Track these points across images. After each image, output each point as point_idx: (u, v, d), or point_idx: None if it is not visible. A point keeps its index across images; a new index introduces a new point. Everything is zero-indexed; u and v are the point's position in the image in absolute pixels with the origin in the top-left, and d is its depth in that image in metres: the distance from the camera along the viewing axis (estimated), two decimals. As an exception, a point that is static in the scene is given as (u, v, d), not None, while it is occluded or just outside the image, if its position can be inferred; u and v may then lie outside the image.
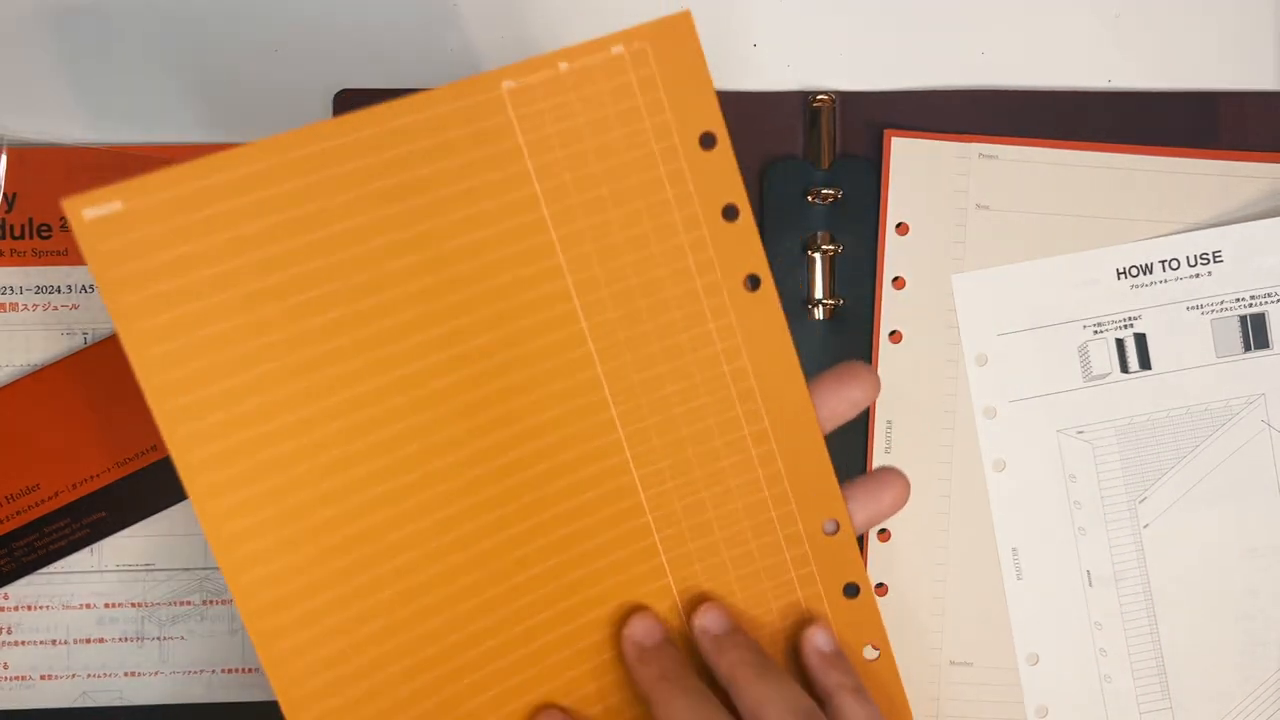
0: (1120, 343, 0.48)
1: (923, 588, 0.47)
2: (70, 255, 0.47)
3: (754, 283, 0.35)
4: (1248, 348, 0.48)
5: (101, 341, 0.47)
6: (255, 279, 0.30)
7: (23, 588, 0.47)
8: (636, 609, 0.35)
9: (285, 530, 0.31)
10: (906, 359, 0.47)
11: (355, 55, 0.48)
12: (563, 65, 0.34)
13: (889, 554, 0.47)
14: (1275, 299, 0.48)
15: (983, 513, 0.47)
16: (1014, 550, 0.47)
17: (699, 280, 0.35)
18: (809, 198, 0.48)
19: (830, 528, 0.36)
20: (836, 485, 0.36)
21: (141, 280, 0.29)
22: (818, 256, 0.47)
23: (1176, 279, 0.48)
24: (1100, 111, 0.48)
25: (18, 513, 0.46)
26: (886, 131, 0.48)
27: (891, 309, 0.47)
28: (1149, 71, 0.49)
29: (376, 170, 0.32)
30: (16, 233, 0.47)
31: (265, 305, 0.30)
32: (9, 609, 0.47)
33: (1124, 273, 0.48)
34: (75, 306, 0.47)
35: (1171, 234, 0.48)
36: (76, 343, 0.47)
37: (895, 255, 0.47)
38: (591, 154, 0.34)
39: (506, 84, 0.33)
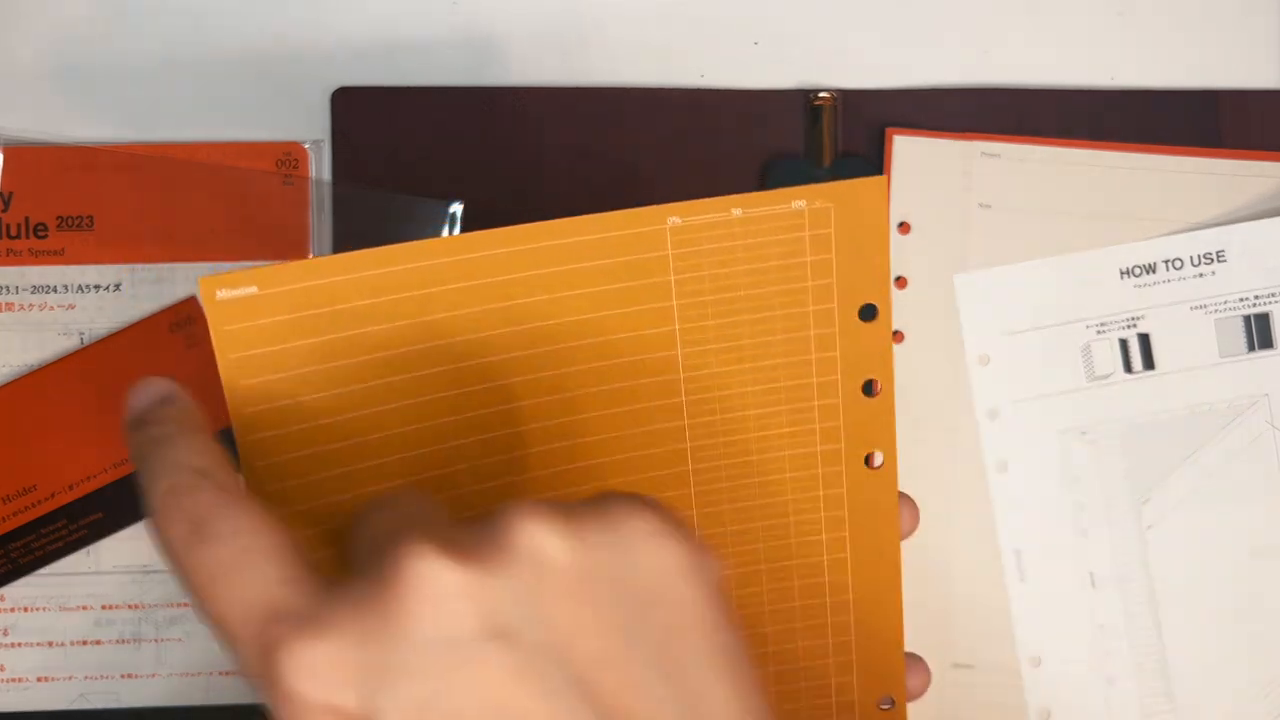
0: (1124, 343, 0.47)
1: (925, 589, 0.47)
2: (67, 255, 0.47)
3: (872, 460, 0.34)
4: (1251, 348, 0.47)
5: (98, 342, 0.46)
6: (370, 378, 0.30)
7: (19, 589, 0.47)
8: None
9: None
10: (909, 359, 0.47)
11: (355, 55, 0.48)
12: (736, 211, 0.32)
13: (891, 555, 0.47)
14: (1277, 298, 0.47)
15: (985, 514, 0.47)
16: (1017, 552, 0.47)
17: (819, 447, 0.34)
18: (810, 197, 0.47)
19: (885, 704, 0.36)
20: (902, 666, 0.36)
21: (258, 368, 0.30)
22: (819, 256, 0.47)
23: (1180, 279, 0.47)
24: (1103, 110, 0.48)
25: (14, 514, 0.46)
26: (888, 130, 0.47)
27: (894, 309, 0.47)
28: (1152, 70, 0.49)
29: (514, 289, 0.31)
30: (13, 232, 0.47)
31: (371, 406, 0.31)
32: (5, 610, 0.47)
33: (1127, 272, 0.47)
34: (72, 306, 0.47)
35: (1175, 233, 0.47)
36: (73, 343, 0.47)
37: (897, 254, 0.47)
38: (742, 302, 0.33)
39: (672, 220, 0.32)
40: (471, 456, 0.32)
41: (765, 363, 0.33)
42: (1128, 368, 0.47)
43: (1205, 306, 0.47)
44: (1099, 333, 0.47)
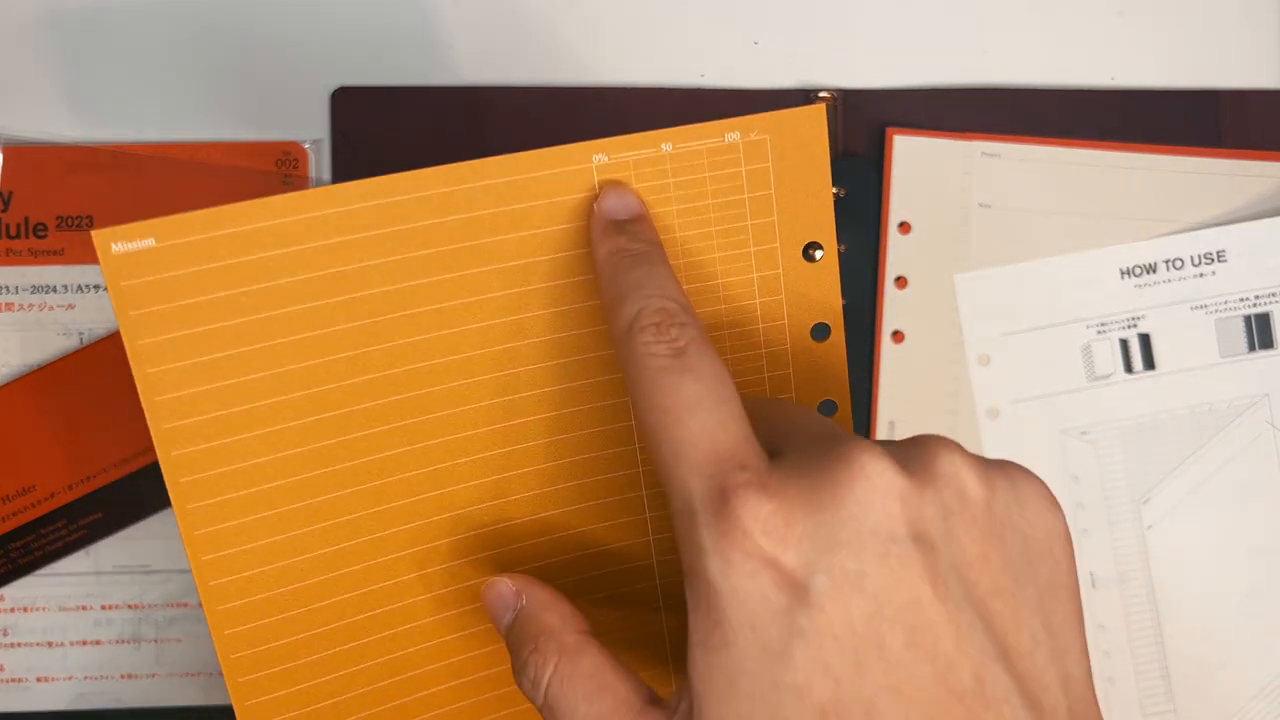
0: (1124, 343, 0.47)
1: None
2: (66, 255, 0.47)
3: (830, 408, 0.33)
4: (1252, 348, 0.48)
5: (97, 342, 0.46)
6: (276, 334, 0.29)
7: (19, 589, 0.47)
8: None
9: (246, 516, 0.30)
10: (909, 359, 0.47)
11: (355, 54, 0.48)
12: (665, 146, 0.30)
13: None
14: (1277, 298, 0.47)
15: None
16: None
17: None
18: (810, 197, 0.47)
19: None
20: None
21: (159, 324, 0.28)
22: (818, 256, 0.47)
23: (1181, 279, 0.47)
24: (1103, 110, 0.48)
25: (14, 514, 0.46)
26: (888, 130, 0.47)
27: (894, 308, 0.47)
28: (1152, 69, 0.49)
29: (435, 235, 0.30)
30: (12, 232, 0.47)
31: (280, 364, 0.29)
32: (5, 611, 0.47)
33: (1128, 272, 0.47)
34: (71, 306, 0.47)
35: (1175, 233, 0.47)
36: (72, 343, 0.47)
37: (897, 254, 0.47)
38: (677, 245, 0.31)
39: (597, 158, 0.31)
40: (389, 419, 0.31)
41: (706, 309, 0.32)
42: (1128, 368, 0.47)
43: (1206, 306, 0.47)
44: (1099, 333, 0.47)
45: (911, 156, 0.47)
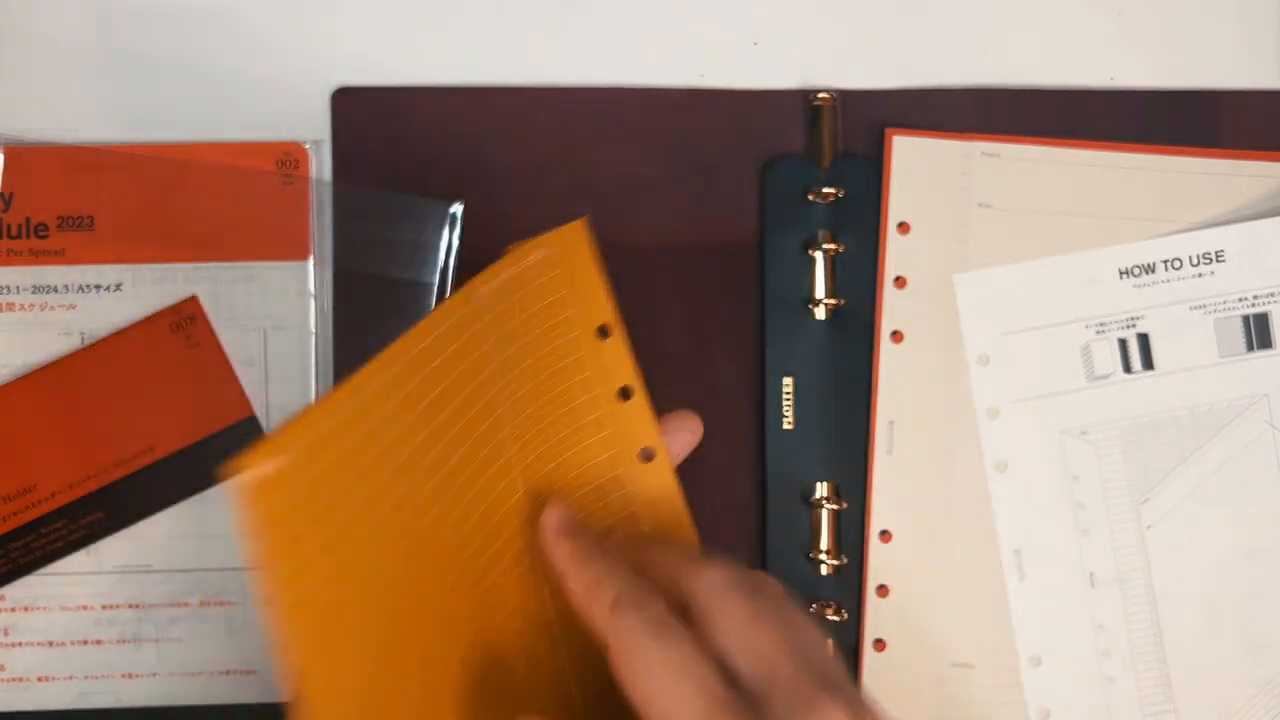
0: (1123, 343, 0.47)
1: (925, 589, 0.47)
2: (67, 255, 0.47)
3: (647, 456, 0.41)
4: (1250, 348, 0.47)
5: (98, 342, 0.46)
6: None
7: (20, 589, 0.47)
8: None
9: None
10: (908, 359, 0.47)
11: (355, 55, 0.48)
12: (483, 290, 0.36)
13: (890, 555, 0.47)
14: (1279, 299, 0.47)
15: (985, 514, 0.47)
16: (1017, 551, 0.47)
17: (601, 455, 0.40)
18: (810, 197, 0.47)
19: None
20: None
21: (293, 542, 0.29)
22: (819, 256, 0.47)
23: (1180, 279, 0.47)
24: (1103, 110, 0.48)
25: (14, 513, 0.46)
26: (888, 130, 0.47)
27: (893, 309, 0.47)
28: (1151, 70, 0.49)
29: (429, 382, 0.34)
30: (13, 232, 0.47)
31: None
32: (6, 610, 0.47)
33: (1127, 272, 0.47)
34: (72, 307, 0.47)
35: (1175, 233, 0.47)
36: (73, 343, 0.47)
37: (897, 255, 0.47)
38: (526, 349, 0.38)
39: (483, 289, 0.36)
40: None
41: (550, 393, 0.39)
42: (1127, 368, 0.47)
43: (1204, 306, 0.47)
44: (1098, 333, 0.47)
45: (911, 157, 0.47)
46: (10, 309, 0.47)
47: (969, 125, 0.48)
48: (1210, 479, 0.47)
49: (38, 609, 0.47)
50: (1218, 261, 0.47)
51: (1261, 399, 0.47)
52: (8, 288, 0.47)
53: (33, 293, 0.47)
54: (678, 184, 0.48)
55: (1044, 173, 0.47)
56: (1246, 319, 0.47)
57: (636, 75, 0.48)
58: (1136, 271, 0.47)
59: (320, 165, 0.47)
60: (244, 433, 0.47)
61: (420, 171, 0.47)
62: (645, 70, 0.48)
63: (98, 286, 0.47)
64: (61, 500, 0.46)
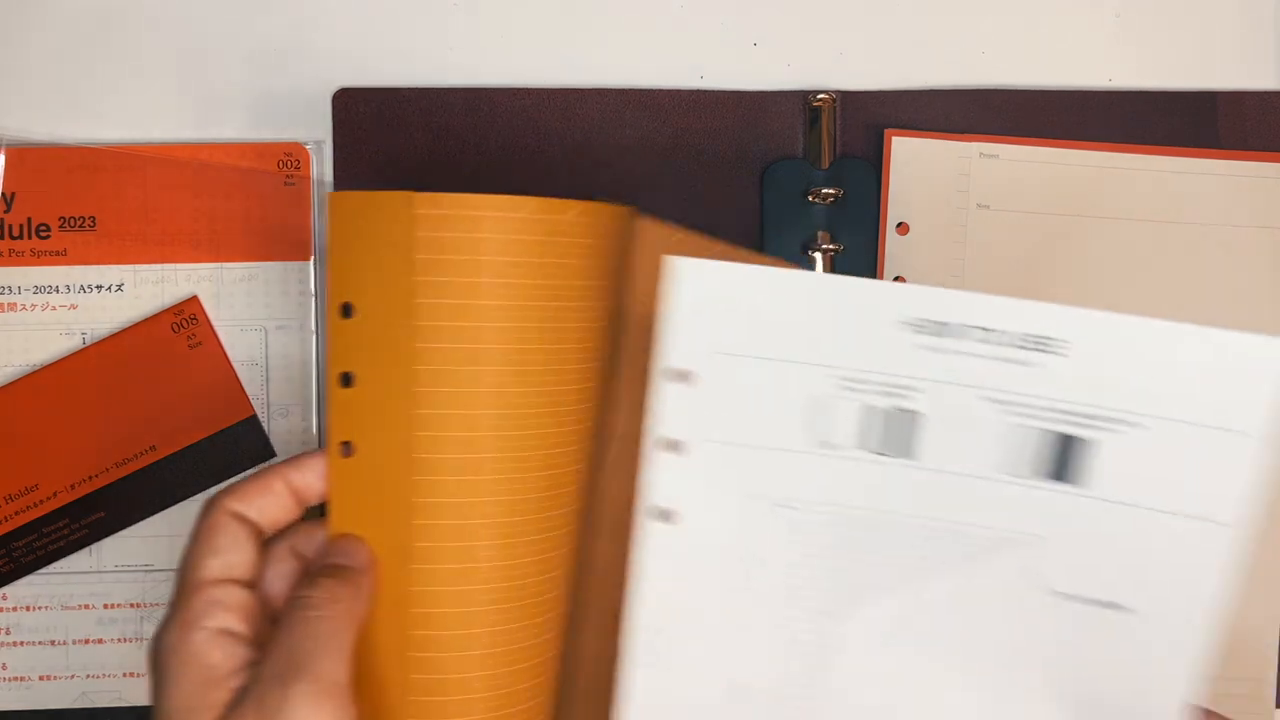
0: (880, 413, 0.36)
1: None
2: (69, 255, 0.47)
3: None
4: (1044, 475, 0.36)
5: (100, 342, 0.47)
6: None
7: (22, 588, 0.47)
8: None
9: None
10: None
11: (355, 55, 0.48)
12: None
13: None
14: (1106, 426, 0.35)
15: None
16: (655, 630, 0.38)
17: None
18: (809, 198, 0.47)
19: None
20: None
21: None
22: (818, 256, 0.47)
23: (988, 357, 0.35)
24: (1101, 111, 0.48)
25: (17, 513, 0.46)
26: (887, 131, 0.47)
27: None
28: (1149, 71, 0.49)
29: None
30: (15, 233, 0.47)
31: None
32: (8, 609, 0.47)
33: (914, 325, 0.35)
34: (74, 307, 0.47)
35: (1010, 296, 0.35)
36: (75, 343, 0.47)
37: (896, 255, 0.47)
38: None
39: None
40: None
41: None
42: (873, 445, 0.37)
43: (1007, 405, 0.36)
44: (846, 388, 0.36)
45: (910, 157, 0.47)
46: (12, 309, 0.47)
47: (968, 126, 0.48)
48: (932, 619, 0.37)
49: (39, 608, 0.47)
50: (1050, 352, 0.35)
51: (1036, 543, 0.36)
52: (9, 288, 0.47)
53: (34, 293, 0.47)
54: (678, 184, 0.48)
55: (1043, 173, 0.47)
56: (1058, 439, 0.36)
57: (636, 76, 0.49)
58: (928, 327, 0.35)
59: (322, 165, 0.47)
60: (244, 433, 0.47)
61: (420, 171, 0.47)
62: (645, 71, 0.49)
63: (99, 287, 0.47)
64: (63, 500, 0.46)
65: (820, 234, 0.47)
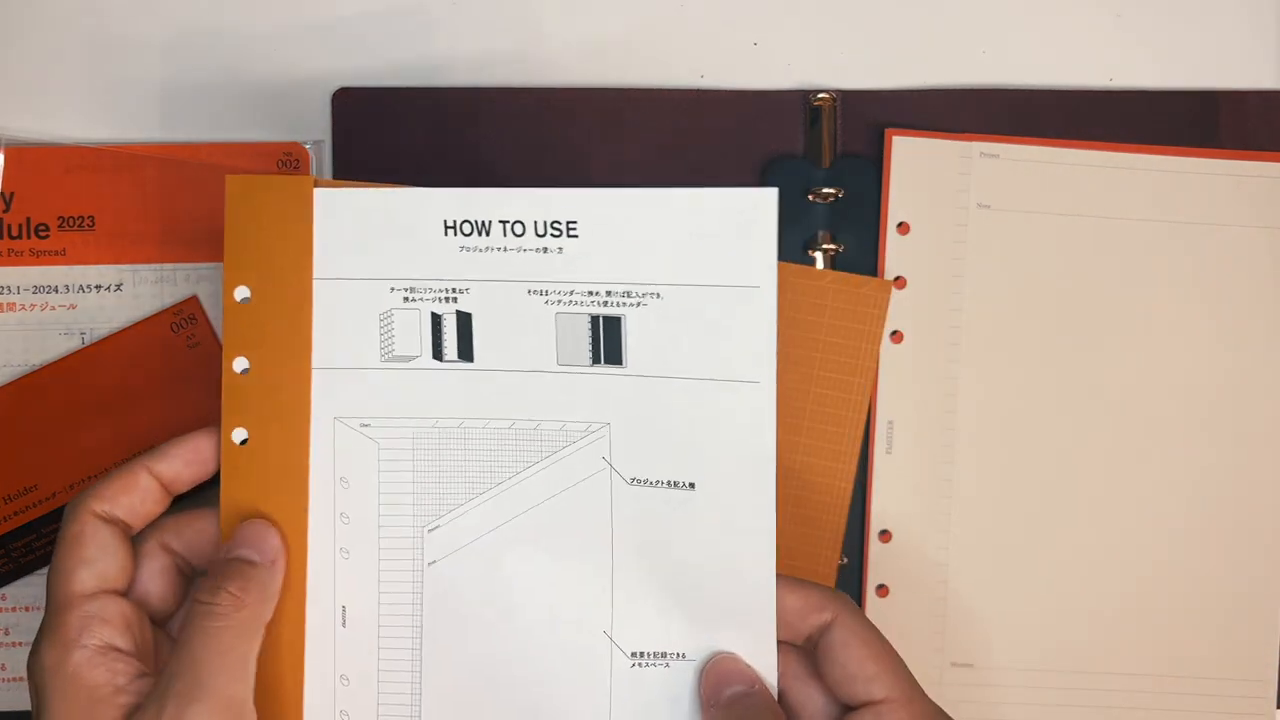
0: (437, 319, 0.37)
1: (924, 589, 0.47)
2: (68, 255, 0.47)
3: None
4: (596, 359, 0.37)
5: (99, 342, 0.47)
6: None
7: (20, 588, 0.47)
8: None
9: None
10: (908, 359, 0.47)
11: (355, 55, 0.48)
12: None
13: (890, 555, 0.47)
14: (634, 300, 0.37)
15: (984, 513, 0.47)
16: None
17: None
18: (809, 197, 0.47)
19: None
20: None
21: None
22: (818, 256, 0.47)
23: (520, 249, 0.36)
24: (1102, 110, 0.48)
25: (15, 513, 0.46)
26: (887, 130, 0.47)
27: (893, 309, 0.47)
28: (1150, 70, 0.49)
29: None
30: (14, 232, 0.47)
31: None
32: (7, 610, 0.47)
33: (453, 227, 0.36)
34: (73, 307, 0.47)
35: (528, 187, 0.37)
36: (74, 343, 0.47)
37: (896, 255, 0.47)
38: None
39: None
40: None
41: None
42: (438, 353, 0.37)
43: (546, 293, 0.37)
44: (406, 299, 0.37)
45: (910, 157, 0.47)
46: (11, 309, 0.47)
47: (968, 125, 0.48)
48: (522, 517, 0.38)
49: (38, 609, 0.47)
50: (568, 235, 0.36)
51: (602, 429, 0.37)
52: (9, 288, 0.47)
53: (34, 293, 0.47)
54: (678, 184, 0.48)
55: (1043, 173, 0.47)
56: (594, 320, 0.37)
57: (636, 75, 0.48)
58: (465, 228, 0.36)
59: (322, 165, 0.47)
60: (245, 432, 0.47)
61: (420, 171, 0.47)
62: (645, 70, 0.49)
63: (98, 286, 0.47)
64: (63, 500, 0.46)
65: (821, 233, 0.47)
